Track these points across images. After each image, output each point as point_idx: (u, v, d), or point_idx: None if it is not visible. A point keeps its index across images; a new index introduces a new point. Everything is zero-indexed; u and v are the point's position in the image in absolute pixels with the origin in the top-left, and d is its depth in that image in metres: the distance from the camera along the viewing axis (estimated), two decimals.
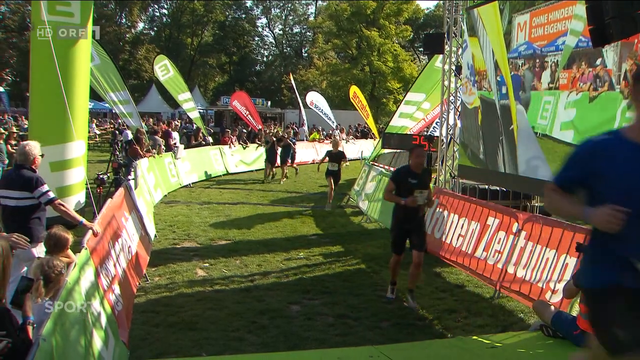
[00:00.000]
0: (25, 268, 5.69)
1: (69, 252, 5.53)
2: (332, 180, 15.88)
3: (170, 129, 24.39)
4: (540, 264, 7.58)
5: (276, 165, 21.69)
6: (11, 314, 3.44)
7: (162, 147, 19.08)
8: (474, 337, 6.37)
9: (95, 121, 38.48)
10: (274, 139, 21.78)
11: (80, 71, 10.44)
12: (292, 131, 31.90)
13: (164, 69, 22.60)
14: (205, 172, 21.47)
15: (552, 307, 6.31)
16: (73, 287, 4.55)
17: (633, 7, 5.19)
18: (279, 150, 21.34)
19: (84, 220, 6.54)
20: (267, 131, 24.41)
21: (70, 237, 5.68)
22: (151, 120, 33.20)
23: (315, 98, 34.49)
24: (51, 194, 6.56)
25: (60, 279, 4.57)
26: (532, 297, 7.40)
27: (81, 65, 10.44)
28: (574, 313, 6.32)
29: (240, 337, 6.63)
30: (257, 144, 25.62)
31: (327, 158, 16.44)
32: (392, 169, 17.12)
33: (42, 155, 6.78)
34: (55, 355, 3.50)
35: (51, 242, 5.52)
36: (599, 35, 5.65)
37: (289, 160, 22.30)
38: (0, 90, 47.76)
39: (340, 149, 17.54)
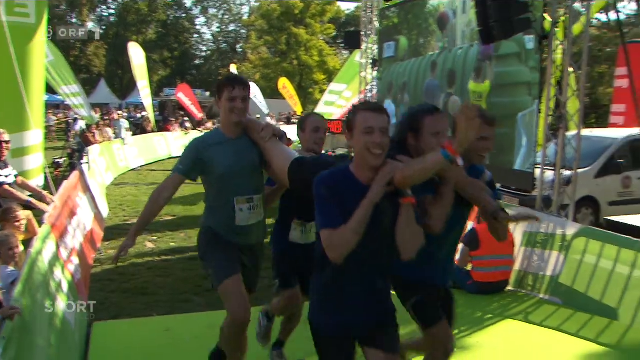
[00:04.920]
0: None
1: (36, 226, 5.52)
2: None
3: (117, 119, 24.04)
4: None
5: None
6: None
7: (112, 135, 18.82)
8: None
9: (50, 112, 37.15)
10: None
11: (36, 65, 10.14)
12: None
13: None
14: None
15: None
16: (37, 257, 4.59)
17: (510, 12, 5.56)
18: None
19: (31, 200, 6.59)
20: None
21: (18, 208, 5.66)
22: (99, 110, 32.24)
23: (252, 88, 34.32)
24: None
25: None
26: None
27: (37, 60, 10.15)
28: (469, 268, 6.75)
29: (187, 299, 6.73)
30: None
31: None
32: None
33: (7, 142, 6.62)
34: (25, 314, 3.58)
35: None
36: (487, 34, 6.02)
37: None
38: None
39: None
